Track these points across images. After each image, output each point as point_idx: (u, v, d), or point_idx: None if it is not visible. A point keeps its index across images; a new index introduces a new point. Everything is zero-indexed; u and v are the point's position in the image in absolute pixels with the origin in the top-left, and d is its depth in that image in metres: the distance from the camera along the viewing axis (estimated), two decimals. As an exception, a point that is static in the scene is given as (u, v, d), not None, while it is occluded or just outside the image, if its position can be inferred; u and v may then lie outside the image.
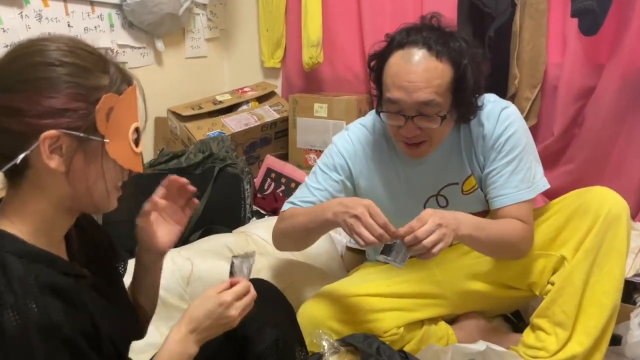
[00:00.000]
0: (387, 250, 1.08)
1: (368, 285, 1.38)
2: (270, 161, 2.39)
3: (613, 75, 1.92)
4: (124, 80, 0.75)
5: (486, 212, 1.36)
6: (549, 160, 2.13)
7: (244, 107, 2.53)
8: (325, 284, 1.43)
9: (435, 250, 1.07)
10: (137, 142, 0.78)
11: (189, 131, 2.30)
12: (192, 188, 0.94)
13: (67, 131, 0.69)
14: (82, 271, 0.79)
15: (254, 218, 2.03)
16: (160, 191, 0.92)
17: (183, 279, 1.45)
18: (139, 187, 1.93)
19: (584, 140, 2.05)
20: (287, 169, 2.34)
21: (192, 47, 2.63)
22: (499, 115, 1.27)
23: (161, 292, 1.04)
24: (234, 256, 0.97)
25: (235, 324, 0.87)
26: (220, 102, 2.50)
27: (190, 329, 0.84)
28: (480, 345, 1.23)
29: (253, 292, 0.89)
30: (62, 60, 0.70)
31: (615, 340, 1.34)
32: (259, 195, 2.27)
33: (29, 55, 0.70)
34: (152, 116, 2.48)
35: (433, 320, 1.42)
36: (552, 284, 1.28)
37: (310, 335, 1.12)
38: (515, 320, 1.55)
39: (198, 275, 1.46)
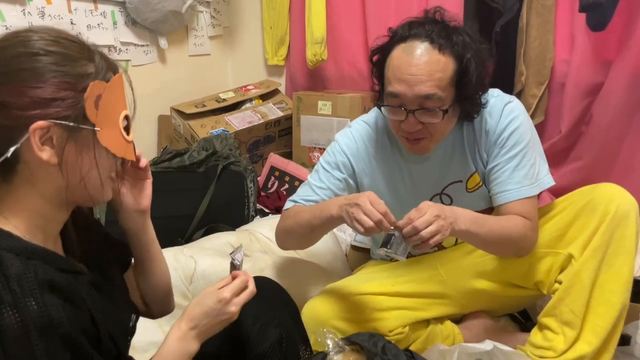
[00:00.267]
0: (387, 242, 1.07)
1: (373, 284, 1.37)
2: (274, 159, 2.37)
3: (621, 71, 1.89)
4: (110, 68, 0.74)
5: (492, 209, 1.34)
6: (557, 158, 2.12)
7: (248, 105, 2.52)
8: (330, 283, 1.42)
9: (432, 241, 1.06)
10: (127, 130, 0.77)
11: (193, 129, 2.29)
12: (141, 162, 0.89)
13: (57, 121, 0.68)
14: (79, 267, 0.78)
15: (258, 216, 2.02)
16: None
17: (186, 277, 1.44)
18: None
19: (592, 137, 2.02)
20: (290, 167, 2.33)
21: (196, 45, 2.62)
22: (502, 109, 1.25)
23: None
24: (231, 253, 0.96)
25: (235, 318, 0.87)
26: (224, 100, 2.49)
27: (190, 327, 0.84)
28: (487, 345, 1.21)
29: (251, 287, 0.88)
30: (47, 50, 0.69)
31: (624, 340, 1.32)
32: (262, 194, 2.26)
33: (12, 46, 0.69)
34: (156, 114, 2.48)
35: (439, 320, 1.41)
36: (560, 282, 1.26)
37: (314, 334, 1.10)
38: (523, 319, 1.53)
39: (201, 273, 1.45)
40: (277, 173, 2.35)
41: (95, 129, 0.71)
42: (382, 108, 1.22)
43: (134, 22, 2.25)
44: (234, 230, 1.81)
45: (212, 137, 2.09)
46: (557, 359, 1.24)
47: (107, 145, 0.73)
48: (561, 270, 1.27)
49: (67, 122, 0.68)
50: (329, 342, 1.02)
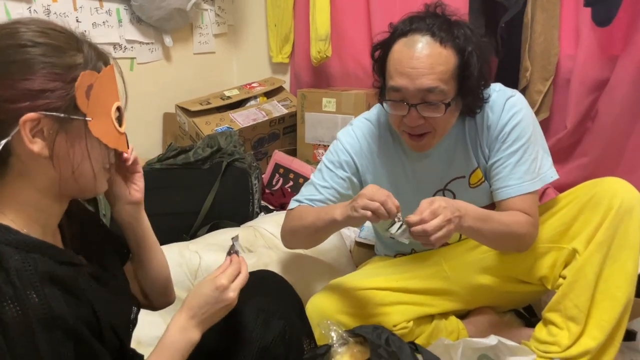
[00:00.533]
0: (392, 226, 1.07)
1: (377, 279, 1.37)
2: (279, 156, 2.38)
3: (627, 67, 1.88)
4: (100, 57, 0.74)
5: (494, 205, 1.33)
6: (562, 154, 2.11)
7: (252, 102, 2.53)
8: (334, 278, 1.42)
9: (437, 245, 1.07)
10: (120, 122, 0.77)
11: (197, 126, 2.30)
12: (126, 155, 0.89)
13: (47, 113, 0.67)
14: (78, 259, 0.78)
15: (262, 213, 2.02)
16: None
17: (191, 272, 1.45)
18: (146, 182, 1.93)
19: (598, 133, 2.01)
20: (295, 164, 2.33)
21: (200, 43, 2.62)
22: (504, 104, 1.24)
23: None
24: (233, 237, 0.98)
25: (234, 304, 0.87)
26: (229, 97, 2.49)
27: (190, 316, 0.84)
28: (492, 340, 1.21)
29: (244, 270, 0.89)
30: (35, 41, 0.68)
31: (630, 336, 1.31)
32: (267, 191, 2.27)
33: (0, 39, 0.68)
34: (161, 112, 2.48)
35: (443, 315, 1.41)
36: (564, 277, 1.26)
37: (318, 326, 1.10)
38: (528, 315, 1.52)
39: (205, 268, 1.46)
40: (281, 170, 2.35)
41: (87, 119, 0.71)
42: (384, 103, 1.22)
43: (139, 20, 2.26)
44: (239, 226, 1.81)
45: (216, 134, 2.10)
46: (562, 354, 1.24)
47: (99, 135, 0.73)
48: (565, 265, 1.27)
49: (57, 114, 0.68)
50: (332, 334, 1.03)
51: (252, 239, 1.68)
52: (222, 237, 1.66)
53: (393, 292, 1.34)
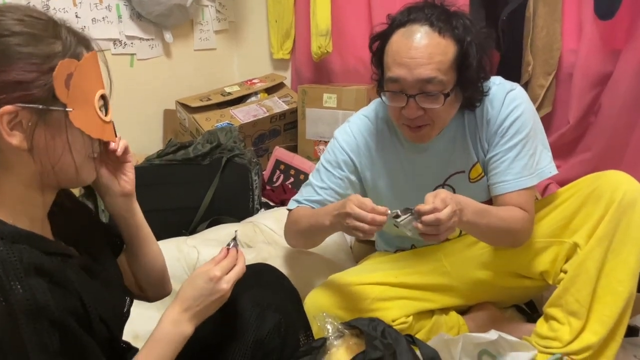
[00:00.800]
0: (400, 215, 1.06)
1: (376, 274, 1.36)
2: (279, 153, 2.37)
3: (630, 60, 1.86)
4: (80, 42, 0.71)
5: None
6: (565, 149, 2.09)
7: (253, 98, 2.52)
8: (334, 274, 1.41)
9: (442, 237, 1.05)
10: (105, 110, 0.75)
11: (197, 122, 2.29)
12: (112, 146, 0.86)
13: (25, 105, 0.65)
14: (68, 250, 0.77)
15: (262, 209, 2.02)
16: None
17: (189, 266, 1.45)
18: (146, 178, 1.93)
19: (601, 128, 1.99)
20: (296, 160, 2.32)
21: (201, 40, 2.62)
22: (504, 98, 1.23)
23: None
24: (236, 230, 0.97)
25: (228, 296, 0.86)
26: (229, 93, 2.49)
27: (183, 308, 0.82)
28: (492, 335, 1.20)
29: (241, 263, 0.88)
30: (12, 30, 0.66)
31: (632, 332, 1.30)
32: (268, 187, 2.26)
33: None
34: (161, 108, 2.48)
35: (444, 311, 1.40)
36: (565, 272, 1.25)
37: (315, 318, 1.10)
38: (529, 310, 1.51)
39: (204, 262, 1.44)
40: (282, 167, 2.34)
41: (67, 109, 0.69)
42: (383, 95, 1.21)
43: (139, 16, 2.26)
44: (239, 222, 1.81)
45: (216, 130, 2.09)
46: (563, 349, 1.23)
47: (81, 126, 0.71)
48: (567, 260, 1.26)
49: (35, 105, 0.66)
50: (328, 326, 1.02)
51: (251, 234, 1.67)
52: (221, 232, 1.66)
53: (392, 287, 1.33)
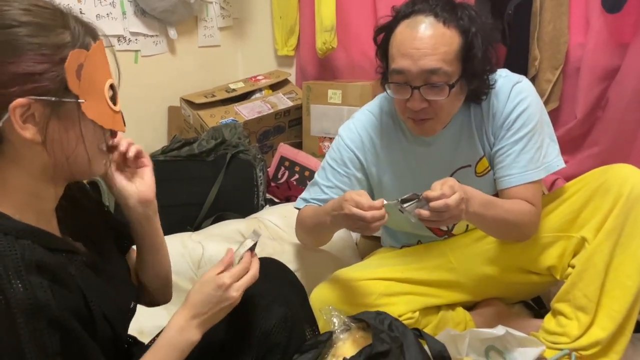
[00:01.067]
0: (408, 200, 1.05)
1: (382, 269, 1.36)
2: (284, 149, 2.36)
3: (638, 54, 1.84)
4: (88, 32, 0.70)
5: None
6: (572, 144, 2.08)
7: (257, 95, 2.51)
8: (339, 269, 1.40)
9: (448, 223, 1.06)
10: (114, 100, 0.74)
11: (202, 119, 2.29)
12: (122, 149, 0.85)
13: (37, 97, 0.64)
14: (73, 246, 0.76)
15: (267, 206, 2.01)
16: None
17: (193, 262, 1.44)
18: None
19: (608, 123, 1.98)
20: (300, 157, 2.32)
21: (205, 36, 2.61)
22: (510, 91, 1.22)
23: (172, 276, 1.02)
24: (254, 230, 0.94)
25: (237, 302, 0.84)
26: (234, 90, 2.48)
27: (191, 315, 0.81)
28: (499, 330, 1.19)
29: (254, 271, 0.86)
30: (19, 21, 0.64)
31: (641, 327, 1.28)
32: (272, 184, 2.25)
33: None
34: (166, 105, 2.48)
35: (450, 306, 1.39)
36: (573, 267, 1.24)
37: (320, 312, 1.09)
38: (537, 306, 1.50)
39: (209, 258, 1.45)
40: (287, 163, 2.34)
41: (79, 100, 0.68)
42: (387, 87, 1.20)
43: (143, 12, 2.25)
44: (244, 218, 1.80)
45: (221, 126, 2.09)
46: (571, 344, 1.22)
47: (94, 117, 0.70)
48: (574, 255, 1.25)
49: (48, 97, 0.65)
50: (334, 320, 1.01)
51: (256, 230, 1.66)
52: (226, 228, 1.65)
53: (398, 282, 1.33)
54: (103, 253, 0.83)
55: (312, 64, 2.64)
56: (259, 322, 0.90)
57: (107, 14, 2.11)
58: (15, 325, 0.61)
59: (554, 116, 2.08)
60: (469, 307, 1.43)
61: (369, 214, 1.04)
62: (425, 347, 1.01)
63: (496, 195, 1.28)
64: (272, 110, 2.41)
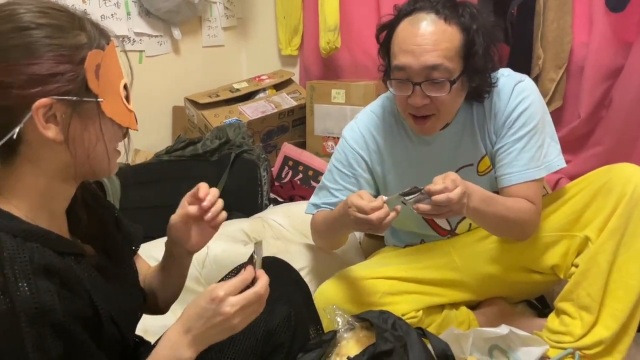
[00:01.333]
0: (410, 193, 1.05)
1: (386, 269, 1.36)
2: (287, 149, 2.37)
3: (642, 53, 1.84)
4: (102, 35, 0.72)
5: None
6: (576, 143, 2.08)
7: (261, 94, 2.52)
8: (342, 269, 1.41)
9: (444, 216, 1.08)
10: (127, 99, 0.75)
11: (206, 119, 2.29)
12: (206, 205, 0.86)
13: (59, 97, 0.66)
14: (83, 249, 0.76)
15: (271, 205, 2.02)
16: (188, 200, 0.90)
17: (198, 261, 1.45)
18: (155, 174, 1.93)
19: (612, 122, 1.98)
20: (304, 156, 2.32)
21: (209, 36, 2.62)
22: (512, 90, 1.22)
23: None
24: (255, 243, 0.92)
25: (238, 326, 0.75)
26: (237, 90, 2.49)
27: (184, 329, 0.74)
28: (503, 329, 1.20)
29: (258, 288, 0.76)
30: (37, 23, 0.66)
31: (645, 326, 1.28)
32: (276, 184, 2.26)
33: None
34: (170, 105, 2.49)
35: (454, 306, 1.39)
36: (576, 266, 1.24)
37: (324, 311, 1.10)
38: (540, 306, 1.50)
39: (213, 258, 1.45)
40: (290, 163, 2.34)
41: (99, 100, 0.69)
42: (389, 84, 1.20)
43: (148, 13, 2.26)
44: (247, 217, 1.81)
45: (225, 126, 2.10)
46: (575, 344, 1.22)
47: (112, 115, 0.72)
48: (578, 254, 1.25)
49: (69, 97, 0.66)
50: (338, 319, 1.02)
51: (260, 229, 1.67)
52: (230, 228, 1.66)
53: (402, 281, 1.33)
54: (112, 256, 0.83)
55: (315, 63, 2.65)
56: (263, 321, 0.90)
57: (112, 15, 2.13)
58: (19, 328, 0.61)
59: (558, 115, 2.08)
60: (473, 306, 1.43)
61: (373, 216, 1.05)
62: (429, 346, 1.01)
63: (497, 194, 1.29)
64: (275, 110, 2.41)
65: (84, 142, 0.69)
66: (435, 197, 1.02)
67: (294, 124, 2.52)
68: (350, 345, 0.99)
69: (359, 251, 1.72)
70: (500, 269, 1.34)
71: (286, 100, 2.49)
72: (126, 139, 0.78)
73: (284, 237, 1.65)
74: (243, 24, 2.82)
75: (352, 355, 0.96)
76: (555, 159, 1.24)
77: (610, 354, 1.20)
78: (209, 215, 0.86)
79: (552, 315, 1.30)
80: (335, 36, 2.41)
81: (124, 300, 0.81)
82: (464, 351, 1.19)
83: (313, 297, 1.22)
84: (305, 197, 2.05)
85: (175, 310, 1.36)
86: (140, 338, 0.98)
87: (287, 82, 2.63)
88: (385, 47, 1.22)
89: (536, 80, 2.03)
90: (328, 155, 2.37)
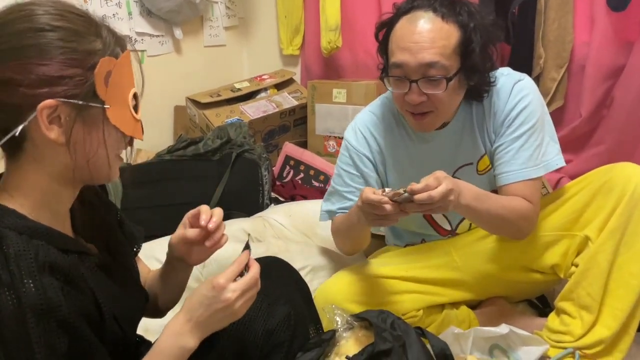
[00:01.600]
0: (395, 195, 1.06)
1: (386, 268, 1.36)
2: (289, 148, 2.37)
3: (643, 53, 1.83)
4: (117, 43, 0.72)
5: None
6: (577, 143, 2.07)
7: (263, 94, 2.52)
8: (343, 268, 1.41)
9: (435, 212, 1.08)
10: (136, 109, 0.76)
11: (208, 118, 2.30)
12: (210, 227, 0.86)
13: (65, 100, 0.66)
14: (86, 248, 0.77)
15: (272, 204, 2.02)
16: (187, 223, 0.90)
17: (199, 261, 1.45)
18: (156, 173, 1.93)
19: (614, 121, 1.97)
20: (306, 156, 2.32)
21: (211, 36, 2.62)
22: (511, 89, 1.22)
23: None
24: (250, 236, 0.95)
25: (239, 311, 0.79)
26: (239, 89, 2.49)
27: (186, 318, 0.78)
28: (503, 329, 1.20)
29: (252, 272, 0.81)
30: (53, 25, 0.67)
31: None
32: (278, 183, 2.26)
33: (16, 21, 0.67)
34: (171, 105, 2.49)
35: (454, 305, 1.40)
36: (577, 265, 1.24)
37: (323, 310, 1.10)
38: (541, 305, 1.50)
39: (214, 257, 1.43)
40: (292, 162, 2.34)
41: (105, 106, 0.70)
42: (386, 81, 1.21)
43: (149, 13, 2.27)
44: (249, 217, 1.81)
45: (226, 126, 2.10)
46: (575, 343, 1.22)
47: (117, 123, 0.72)
48: (578, 253, 1.25)
49: (75, 101, 0.67)
50: (337, 318, 1.02)
51: (261, 229, 1.68)
52: (232, 227, 1.66)
53: (402, 281, 1.33)
54: (115, 255, 0.84)
55: (317, 63, 2.65)
56: (263, 320, 0.91)
57: (113, 15, 2.13)
58: (26, 325, 0.62)
59: (559, 115, 2.07)
60: (473, 305, 1.43)
61: (386, 208, 1.05)
62: (428, 346, 1.01)
63: (496, 192, 1.29)
64: (277, 110, 2.42)
65: (85, 146, 0.70)
66: (417, 197, 1.02)
67: (295, 123, 2.52)
68: (349, 344, 1.00)
69: (361, 251, 1.72)
70: (501, 269, 1.34)
71: (287, 100, 2.49)
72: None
73: (284, 236, 1.65)
74: (244, 24, 2.83)
75: (351, 355, 0.96)
76: (554, 158, 1.23)
77: (611, 353, 1.20)
78: (210, 242, 0.87)
79: (552, 315, 1.30)
80: (336, 36, 2.41)
81: (127, 299, 0.82)
82: (464, 350, 1.19)
83: (313, 297, 1.22)
84: (306, 197, 2.05)
85: (176, 309, 1.38)
86: (141, 337, 0.99)
87: (289, 82, 2.63)
88: (383, 45, 1.22)
89: (537, 79, 2.03)
90: (329, 155, 2.38)
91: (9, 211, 0.67)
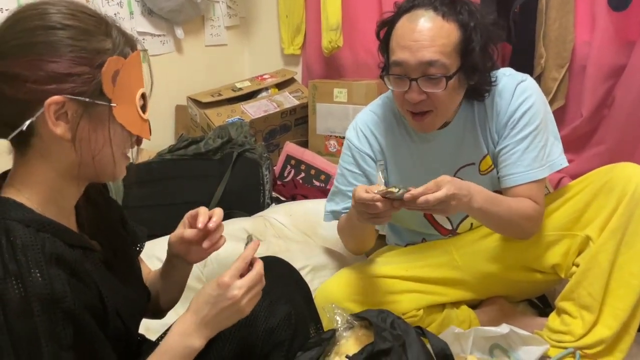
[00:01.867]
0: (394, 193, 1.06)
1: (387, 267, 1.36)
2: (290, 148, 2.37)
3: (645, 52, 1.83)
4: (127, 43, 0.73)
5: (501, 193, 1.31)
6: (578, 142, 2.07)
7: (264, 93, 2.52)
8: (344, 268, 1.41)
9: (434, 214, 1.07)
10: (144, 109, 0.77)
11: (209, 118, 2.30)
12: (211, 226, 0.87)
13: (73, 97, 0.67)
14: (91, 244, 0.78)
15: (273, 204, 2.02)
16: (186, 224, 0.92)
17: (200, 260, 1.45)
18: (157, 172, 1.93)
19: (615, 121, 1.97)
20: (306, 155, 2.32)
21: (212, 35, 2.63)
22: (514, 89, 1.22)
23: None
24: (249, 235, 0.95)
25: (246, 308, 0.80)
26: (240, 89, 2.49)
27: (193, 318, 0.79)
28: (504, 329, 1.20)
29: (257, 268, 0.82)
30: (64, 23, 0.68)
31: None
32: (278, 183, 2.26)
33: (28, 19, 0.69)
34: (172, 104, 2.49)
35: (455, 305, 1.40)
36: (577, 265, 1.24)
37: (323, 309, 1.10)
38: (542, 305, 1.50)
39: (215, 256, 1.43)
40: (293, 162, 2.35)
41: (111, 104, 0.71)
42: (386, 79, 1.21)
43: (150, 12, 2.27)
44: (249, 216, 1.81)
45: (227, 125, 2.10)
46: (576, 343, 1.22)
47: (123, 121, 0.73)
48: (579, 253, 1.25)
49: (82, 98, 0.68)
50: (337, 318, 1.02)
51: (262, 228, 1.68)
52: (233, 227, 1.66)
53: (403, 280, 1.33)
54: (118, 253, 0.85)
55: (318, 62, 2.65)
56: (263, 319, 0.91)
57: (115, 14, 2.13)
58: (32, 314, 0.63)
59: (560, 114, 2.07)
60: (474, 305, 1.43)
61: (379, 204, 1.06)
62: (428, 345, 1.01)
63: (499, 193, 1.29)
64: (278, 109, 2.42)
65: (91, 143, 0.71)
66: (418, 201, 1.03)
67: (296, 123, 2.52)
68: (349, 343, 1.00)
69: (361, 250, 1.72)
70: (501, 268, 1.34)
71: (288, 99, 2.49)
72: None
73: (285, 236, 1.65)
74: (246, 23, 2.83)
75: (350, 354, 0.96)
76: (558, 158, 1.24)
77: (611, 353, 1.20)
78: (207, 244, 0.88)
79: (553, 315, 1.30)
80: (337, 35, 2.41)
81: (130, 296, 0.83)
82: (465, 350, 1.19)
83: (314, 296, 1.22)
84: (307, 196, 2.05)
85: (177, 309, 1.38)
86: (142, 336, 0.99)
87: (290, 81, 2.63)
88: (384, 43, 1.23)
89: (538, 79, 2.03)
90: (330, 154, 2.38)
91: (16, 204, 0.69)
